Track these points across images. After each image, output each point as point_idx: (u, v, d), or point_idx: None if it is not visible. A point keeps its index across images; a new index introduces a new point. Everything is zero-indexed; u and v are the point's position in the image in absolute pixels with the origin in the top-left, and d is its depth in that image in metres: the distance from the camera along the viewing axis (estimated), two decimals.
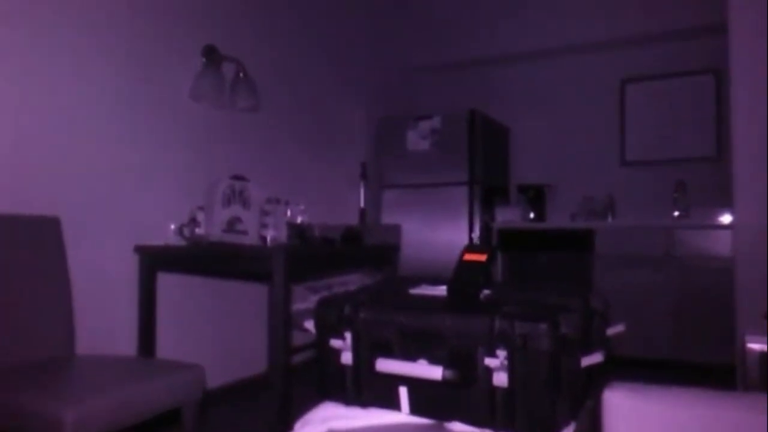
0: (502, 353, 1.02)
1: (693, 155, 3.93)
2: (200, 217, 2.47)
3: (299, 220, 2.69)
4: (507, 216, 4.09)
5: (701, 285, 3.38)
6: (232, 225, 2.54)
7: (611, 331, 1.23)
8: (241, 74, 2.85)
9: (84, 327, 2.15)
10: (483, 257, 1.24)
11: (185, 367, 1.70)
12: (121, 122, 2.41)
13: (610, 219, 3.96)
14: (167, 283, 2.57)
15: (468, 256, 1.25)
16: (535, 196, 4.19)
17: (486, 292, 1.26)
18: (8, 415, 1.39)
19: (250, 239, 2.53)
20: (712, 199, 3.70)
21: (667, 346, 3.45)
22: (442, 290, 1.29)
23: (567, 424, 1.03)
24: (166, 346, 2.52)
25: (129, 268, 2.40)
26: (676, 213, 3.81)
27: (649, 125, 4.08)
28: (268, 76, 3.20)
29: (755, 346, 1.49)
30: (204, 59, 2.74)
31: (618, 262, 3.61)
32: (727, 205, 2.88)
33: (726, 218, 3.43)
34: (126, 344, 2.38)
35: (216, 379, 2.77)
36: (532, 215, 4.14)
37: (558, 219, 4.22)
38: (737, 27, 2.40)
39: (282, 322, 2.08)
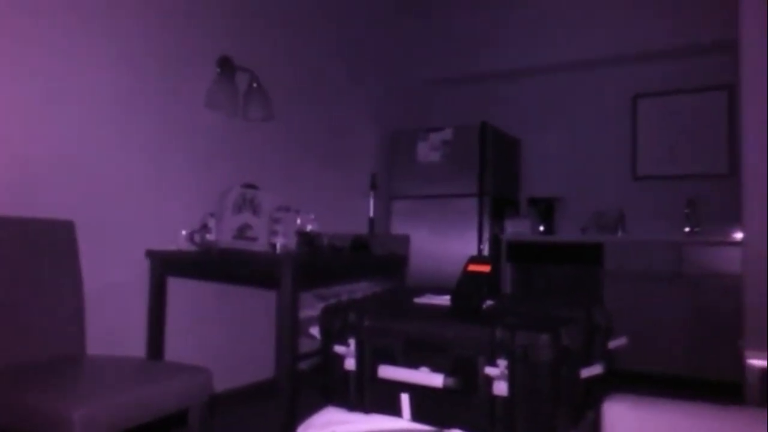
0: (502, 363, 1.04)
1: (705, 171, 3.91)
2: (211, 223, 2.50)
3: (309, 228, 2.71)
4: (517, 228, 4.10)
5: (711, 301, 3.36)
6: (242, 232, 2.57)
7: (613, 344, 1.24)
8: (254, 84, 2.89)
9: (95, 328, 2.19)
10: (487, 268, 1.26)
11: (192, 370, 1.72)
12: (136, 129, 2.46)
13: (620, 233, 3.95)
14: (177, 287, 2.61)
15: (472, 267, 1.27)
16: (546, 209, 4.19)
17: (489, 302, 1.27)
18: (18, 414, 1.42)
19: (260, 246, 2.56)
20: (724, 215, 3.68)
21: (676, 362, 3.42)
22: (445, 300, 1.31)
23: None
24: (174, 349, 2.55)
25: (140, 272, 2.44)
26: (687, 229, 3.80)
27: (661, 140, 4.07)
28: (281, 87, 3.24)
29: (755, 362, 1.49)
30: (218, 69, 2.79)
31: (627, 276, 3.60)
32: (739, 222, 2.86)
33: (738, 235, 3.41)
34: (135, 346, 2.42)
35: (223, 383, 2.80)
36: (541, 228, 4.14)
37: (568, 232, 4.22)
38: (748, 43, 2.40)
39: (289, 328, 2.09)
